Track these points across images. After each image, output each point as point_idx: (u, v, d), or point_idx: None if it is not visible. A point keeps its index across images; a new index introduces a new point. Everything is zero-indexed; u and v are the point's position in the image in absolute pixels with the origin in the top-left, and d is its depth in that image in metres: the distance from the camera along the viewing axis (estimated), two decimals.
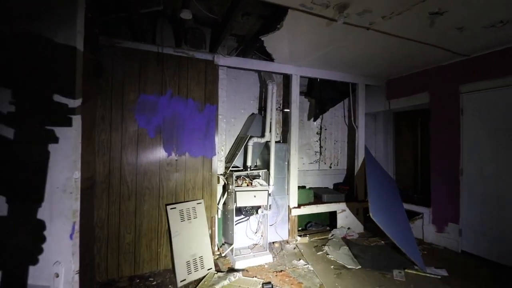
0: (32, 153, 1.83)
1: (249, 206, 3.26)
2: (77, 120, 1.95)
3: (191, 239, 3.01)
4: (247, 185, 3.32)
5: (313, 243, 3.84)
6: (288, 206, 3.84)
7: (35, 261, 1.81)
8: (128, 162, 2.89)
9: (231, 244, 3.26)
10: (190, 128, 3.18)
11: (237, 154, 3.50)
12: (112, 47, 2.83)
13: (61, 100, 1.91)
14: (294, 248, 3.68)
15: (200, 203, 3.20)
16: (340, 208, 4.23)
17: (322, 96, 4.51)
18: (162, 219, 3.01)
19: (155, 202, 3.00)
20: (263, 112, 4.19)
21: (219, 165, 3.41)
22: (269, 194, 3.35)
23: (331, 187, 4.98)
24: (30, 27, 1.86)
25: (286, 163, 3.84)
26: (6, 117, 1.80)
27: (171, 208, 3.00)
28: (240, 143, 3.69)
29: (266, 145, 3.80)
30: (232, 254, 3.21)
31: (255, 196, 3.25)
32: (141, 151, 2.94)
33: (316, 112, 4.63)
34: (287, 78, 4.14)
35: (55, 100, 1.90)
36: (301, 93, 4.54)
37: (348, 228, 4.19)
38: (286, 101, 4.34)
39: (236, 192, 3.17)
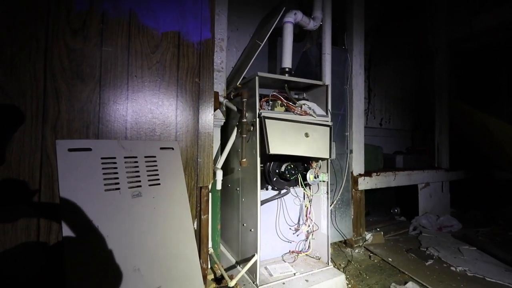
0: None
1: (292, 165, 1.34)
2: None
3: (144, 247, 1.00)
4: (291, 111, 1.40)
5: (394, 244, 2.01)
6: (351, 172, 1.96)
7: None
8: None
9: (249, 258, 1.30)
10: None
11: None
12: None
13: None
14: (370, 257, 1.81)
15: (171, 149, 1.20)
16: (424, 180, 2.43)
17: None
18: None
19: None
20: None
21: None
22: (331, 135, 1.46)
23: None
24: None
25: (346, 87, 1.96)
26: None
27: (70, 150, 0.97)
28: None
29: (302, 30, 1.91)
30: (256, 278, 1.27)
31: (307, 136, 1.34)
32: None
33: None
34: None
35: None
36: None
37: (438, 216, 2.41)
38: None
39: (266, 122, 1.24)
